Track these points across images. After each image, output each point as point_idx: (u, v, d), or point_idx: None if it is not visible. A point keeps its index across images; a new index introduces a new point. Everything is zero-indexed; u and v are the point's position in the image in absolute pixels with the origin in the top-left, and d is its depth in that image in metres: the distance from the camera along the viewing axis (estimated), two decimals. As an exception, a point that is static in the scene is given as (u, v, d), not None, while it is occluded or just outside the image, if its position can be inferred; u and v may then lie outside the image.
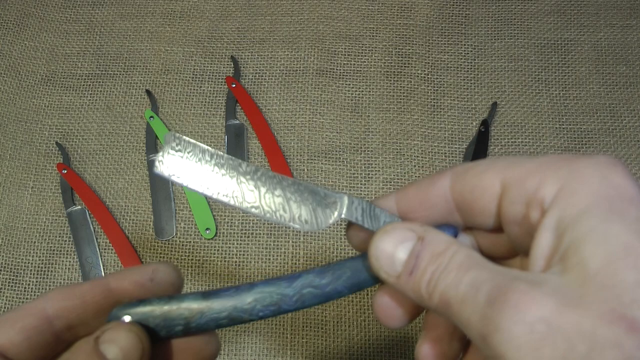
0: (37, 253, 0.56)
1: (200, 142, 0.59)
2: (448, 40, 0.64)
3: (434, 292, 0.21)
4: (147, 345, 0.23)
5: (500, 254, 0.26)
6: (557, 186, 0.20)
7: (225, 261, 0.54)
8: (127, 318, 0.24)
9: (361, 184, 0.57)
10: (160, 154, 0.25)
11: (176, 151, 0.25)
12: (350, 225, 0.26)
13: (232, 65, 0.63)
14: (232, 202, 0.25)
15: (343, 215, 0.25)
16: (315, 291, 0.25)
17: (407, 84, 0.61)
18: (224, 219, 0.56)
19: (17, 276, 0.55)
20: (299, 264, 0.54)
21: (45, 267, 0.55)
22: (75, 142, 0.60)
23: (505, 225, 0.23)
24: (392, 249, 0.23)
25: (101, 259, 0.55)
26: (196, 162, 0.25)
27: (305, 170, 0.57)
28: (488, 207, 0.23)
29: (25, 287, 0.54)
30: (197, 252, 0.55)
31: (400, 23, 0.65)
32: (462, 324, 0.20)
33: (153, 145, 0.59)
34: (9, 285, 0.54)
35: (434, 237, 0.23)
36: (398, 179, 0.57)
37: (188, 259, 0.55)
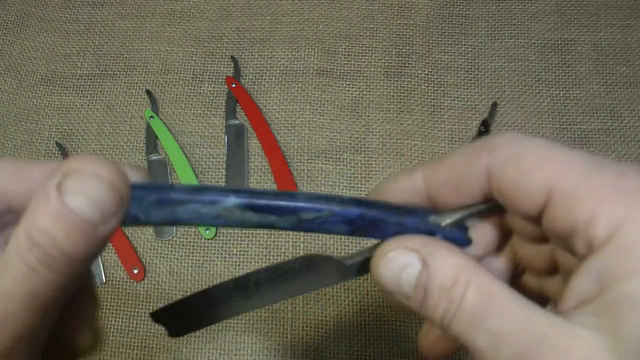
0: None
1: (200, 142, 0.59)
2: (448, 40, 0.64)
3: (449, 330, 0.19)
4: (126, 195, 0.19)
5: (539, 266, 0.24)
6: (611, 228, 0.18)
7: (225, 261, 0.54)
8: None
9: (361, 184, 0.57)
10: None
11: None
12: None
13: (232, 65, 0.63)
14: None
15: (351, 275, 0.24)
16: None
17: (407, 84, 0.61)
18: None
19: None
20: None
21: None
22: (75, 142, 0.60)
23: (546, 231, 0.21)
24: (396, 278, 0.21)
25: (101, 259, 0.55)
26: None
27: (305, 170, 0.57)
28: (529, 211, 0.20)
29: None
30: (197, 252, 0.55)
31: (400, 23, 0.65)
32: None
33: (153, 145, 0.59)
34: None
35: (440, 264, 0.20)
36: (398, 179, 0.57)
37: (188, 259, 0.55)
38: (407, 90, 0.61)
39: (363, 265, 0.24)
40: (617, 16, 0.64)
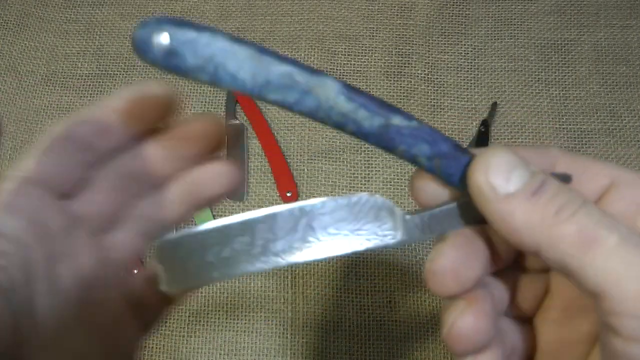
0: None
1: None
2: (448, 40, 0.64)
3: (571, 220, 0.19)
4: None
5: (531, 307, 0.24)
6: None
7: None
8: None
9: (361, 184, 0.57)
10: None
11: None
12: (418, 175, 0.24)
13: (232, 65, 0.63)
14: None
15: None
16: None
17: (407, 84, 0.61)
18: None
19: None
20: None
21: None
22: (75, 142, 0.60)
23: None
24: (510, 167, 0.20)
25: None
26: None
27: (305, 170, 0.57)
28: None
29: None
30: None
31: (400, 23, 0.65)
32: (605, 271, 0.18)
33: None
34: None
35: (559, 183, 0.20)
36: (398, 179, 0.57)
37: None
38: (407, 90, 0.61)
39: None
40: (617, 16, 0.64)
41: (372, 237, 0.22)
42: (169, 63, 0.20)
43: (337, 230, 0.22)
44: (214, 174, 0.26)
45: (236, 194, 0.57)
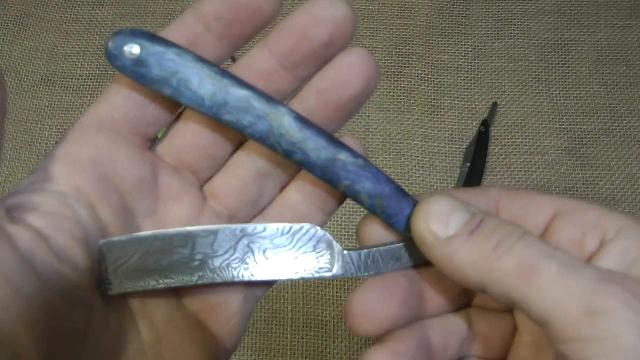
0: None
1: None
2: (448, 40, 0.64)
3: (510, 253, 0.19)
4: None
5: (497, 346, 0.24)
6: (621, 224, 0.20)
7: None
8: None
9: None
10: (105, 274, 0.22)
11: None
12: (366, 220, 0.25)
13: (232, 65, 0.63)
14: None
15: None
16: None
17: (407, 84, 0.61)
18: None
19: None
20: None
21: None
22: (75, 142, 0.60)
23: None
24: (448, 211, 0.21)
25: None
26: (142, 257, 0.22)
27: (305, 170, 0.58)
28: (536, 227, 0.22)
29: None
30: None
31: (400, 23, 0.65)
32: (547, 299, 0.18)
33: (153, 145, 0.59)
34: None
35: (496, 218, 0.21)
36: (398, 179, 0.57)
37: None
38: (407, 90, 0.61)
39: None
40: (617, 16, 0.64)
41: (308, 268, 0.23)
42: (137, 72, 0.21)
43: (274, 256, 0.23)
44: (345, 69, 0.22)
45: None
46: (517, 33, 0.64)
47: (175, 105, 0.23)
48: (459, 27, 0.64)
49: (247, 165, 0.24)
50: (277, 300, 0.53)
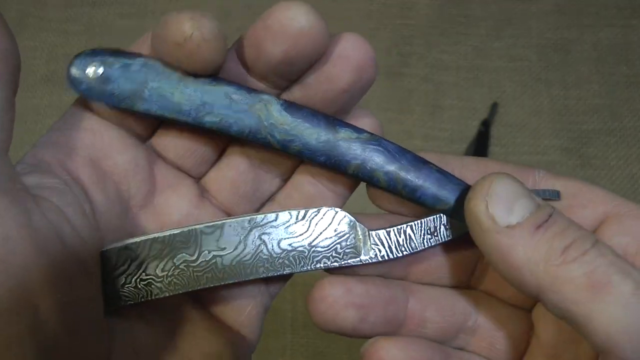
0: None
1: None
2: (448, 40, 0.64)
3: (580, 260, 0.17)
4: None
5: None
6: None
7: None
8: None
9: (362, 184, 0.57)
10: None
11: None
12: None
13: (232, 65, 0.63)
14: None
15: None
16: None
17: (407, 84, 0.61)
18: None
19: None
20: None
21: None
22: (75, 142, 0.60)
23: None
24: (513, 196, 0.18)
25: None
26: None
27: (306, 170, 0.57)
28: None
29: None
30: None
31: (400, 23, 0.65)
32: (616, 323, 0.16)
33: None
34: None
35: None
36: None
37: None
38: (407, 90, 0.61)
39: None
40: (618, 16, 0.64)
41: (331, 256, 0.20)
42: (104, 90, 0.20)
43: (290, 246, 0.20)
44: (332, 59, 0.19)
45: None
46: (517, 33, 0.64)
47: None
48: (459, 27, 0.64)
49: (241, 156, 0.22)
50: (277, 300, 0.53)
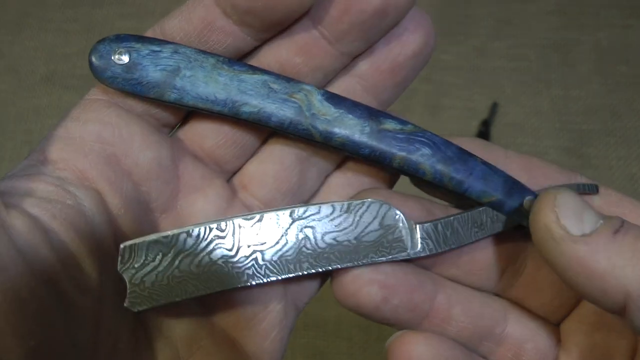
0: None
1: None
2: (448, 40, 0.64)
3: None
4: None
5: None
6: None
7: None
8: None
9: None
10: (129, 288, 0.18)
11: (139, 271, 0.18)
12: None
13: (232, 65, 0.63)
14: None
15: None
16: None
17: (407, 84, 0.61)
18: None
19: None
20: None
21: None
22: (75, 142, 0.60)
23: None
24: (580, 208, 0.18)
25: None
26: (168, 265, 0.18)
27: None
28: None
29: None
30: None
31: (400, 23, 0.65)
32: None
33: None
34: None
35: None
36: (398, 179, 0.57)
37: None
38: (407, 90, 0.61)
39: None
40: (618, 16, 0.64)
41: (378, 249, 0.19)
42: (131, 79, 0.18)
43: (335, 240, 0.19)
44: (408, 20, 0.20)
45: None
46: (517, 33, 0.64)
47: None
48: (459, 27, 0.64)
49: (286, 148, 0.21)
50: (277, 301, 0.53)
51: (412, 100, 0.60)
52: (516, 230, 0.21)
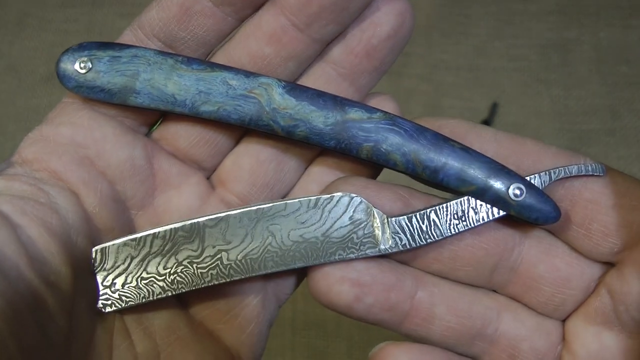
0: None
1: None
2: (448, 40, 0.64)
3: None
4: None
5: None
6: None
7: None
8: None
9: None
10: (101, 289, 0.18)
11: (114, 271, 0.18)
12: None
13: (232, 65, 0.63)
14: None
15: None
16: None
17: (407, 84, 0.61)
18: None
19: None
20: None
21: None
22: (75, 142, 0.60)
23: None
24: None
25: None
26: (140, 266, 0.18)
27: (305, 170, 0.57)
28: None
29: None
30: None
31: (400, 23, 0.65)
32: None
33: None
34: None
35: None
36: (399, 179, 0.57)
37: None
38: (407, 90, 0.61)
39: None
40: (618, 16, 0.64)
41: (347, 246, 0.19)
42: (94, 86, 0.19)
43: (301, 237, 0.19)
44: (373, 4, 0.19)
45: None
46: (517, 33, 0.64)
47: None
48: (459, 27, 0.64)
49: (262, 142, 0.21)
50: (277, 301, 0.53)
51: (412, 100, 0.60)
52: (506, 221, 0.20)
